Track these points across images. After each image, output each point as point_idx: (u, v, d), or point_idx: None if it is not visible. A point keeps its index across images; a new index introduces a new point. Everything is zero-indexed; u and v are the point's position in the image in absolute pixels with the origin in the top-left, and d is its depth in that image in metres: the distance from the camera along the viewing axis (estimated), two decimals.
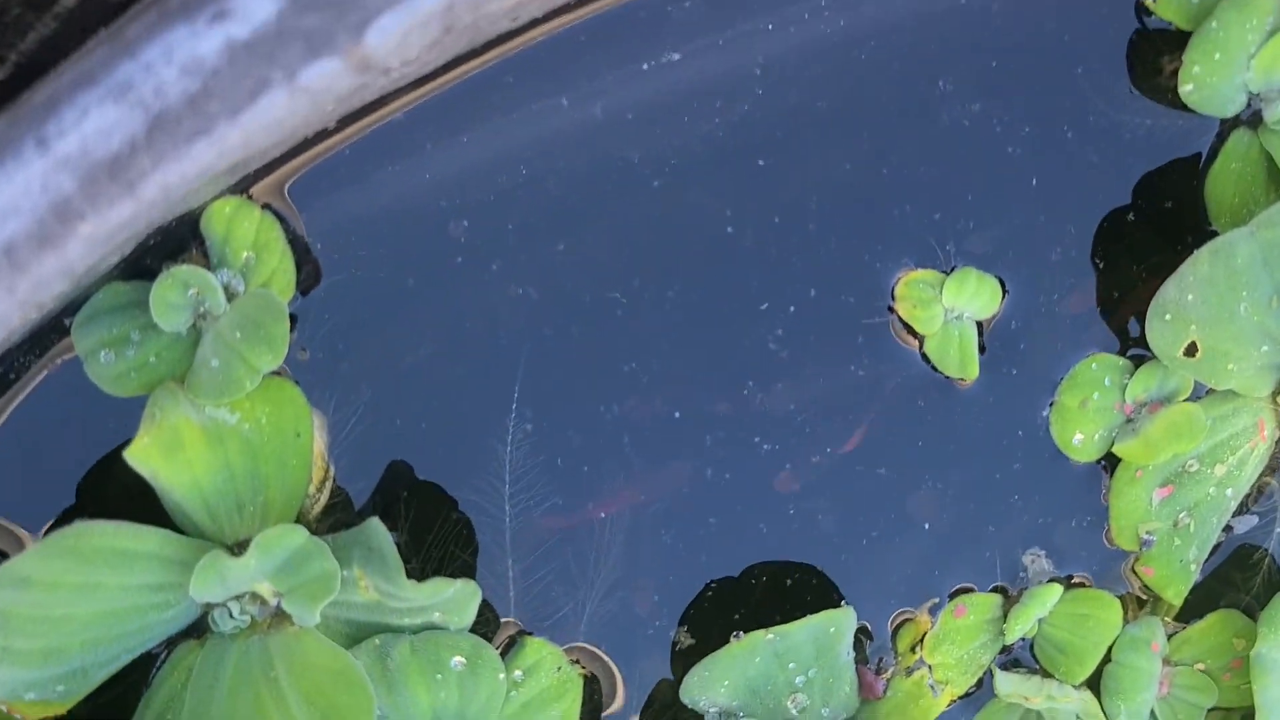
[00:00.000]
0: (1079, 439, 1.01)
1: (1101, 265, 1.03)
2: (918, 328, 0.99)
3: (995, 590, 1.03)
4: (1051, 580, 1.03)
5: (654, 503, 1.01)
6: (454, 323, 0.98)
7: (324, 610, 0.89)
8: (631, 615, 1.01)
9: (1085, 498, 1.04)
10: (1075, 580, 1.05)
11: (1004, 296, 1.00)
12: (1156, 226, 1.04)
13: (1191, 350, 0.97)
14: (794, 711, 0.98)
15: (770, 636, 0.94)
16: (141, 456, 0.81)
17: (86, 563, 0.80)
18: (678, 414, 1.00)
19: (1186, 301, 0.95)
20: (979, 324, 1.01)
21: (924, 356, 1.00)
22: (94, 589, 0.81)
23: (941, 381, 1.01)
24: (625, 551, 1.01)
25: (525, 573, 0.99)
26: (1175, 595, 1.04)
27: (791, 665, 0.96)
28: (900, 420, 1.02)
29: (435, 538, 0.98)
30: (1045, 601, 1.01)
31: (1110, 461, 1.03)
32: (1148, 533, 1.02)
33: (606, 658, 0.99)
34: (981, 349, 1.00)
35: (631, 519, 1.01)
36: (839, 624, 0.96)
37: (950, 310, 0.99)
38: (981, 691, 1.05)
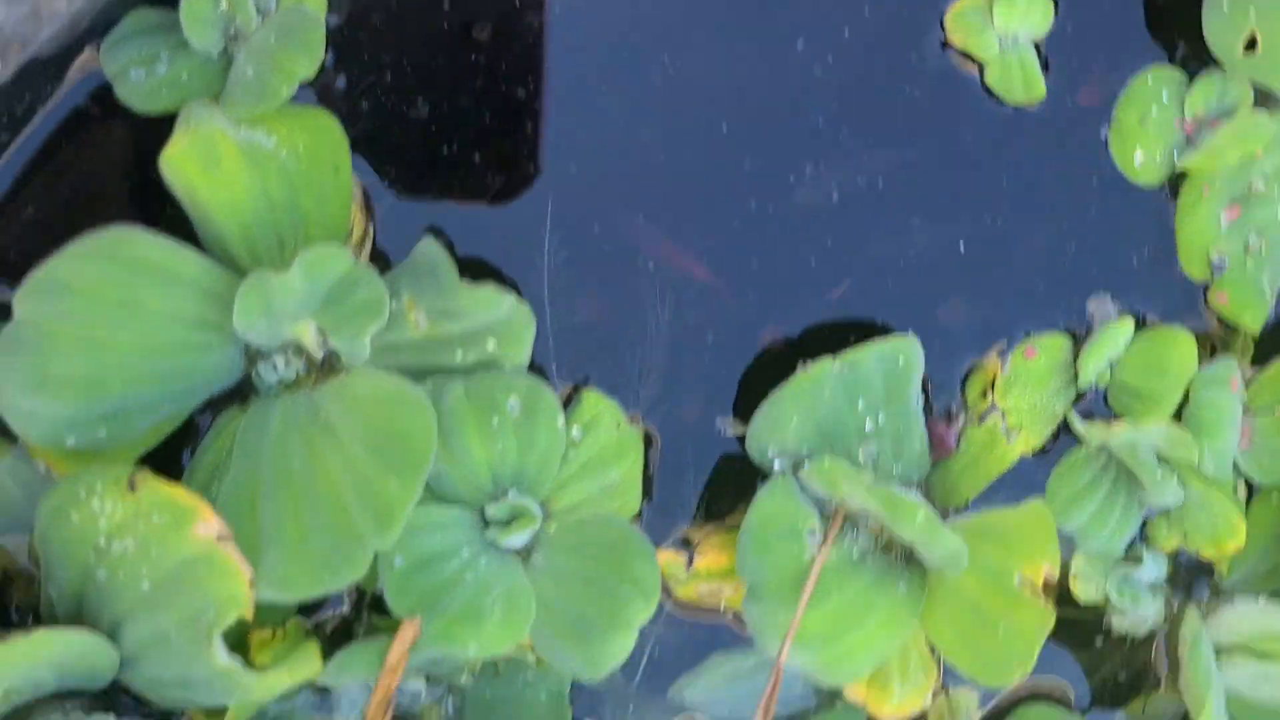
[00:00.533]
0: (1140, 158, 0.98)
1: None
2: (976, 54, 0.98)
3: (1066, 332, 1.00)
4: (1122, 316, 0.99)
5: (699, 272, 0.98)
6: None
7: (373, 356, 0.85)
8: (686, 381, 0.97)
9: (1156, 234, 1.01)
10: (1148, 319, 1.01)
11: (1055, 9, 0.98)
12: None
13: (1251, 45, 0.94)
14: (866, 461, 0.93)
15: (838, 366, 0.90)
16: (177, 164, 0.77)
17: (127, 274, 0.76)
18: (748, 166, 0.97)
19: None
20: (1035, 45, 0.99)
21: (987, 91, 0.98)
22: (134, 309, 0.78)
23: (1008, 115, 0.99)
24: (675, 320, 0.98)
25: (570, 338, 0.96)
26: (1253, 320, 1.00)
27: (861, 404, 0.92)
28: (960, 156, 0.99)
29: None
30: (1118, 338, 0.97)
31: (1175, 189, 1.00)
32: (1218, 255, 0.99)
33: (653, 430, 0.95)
34: (1045, 66, 0.98)
35: (678, 289, 0.98)
36: (907, 354, 0.92)
37: (1004, 36, 0.97)
38: (1057, 447, 1.01)
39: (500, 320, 0.83)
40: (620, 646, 0.86)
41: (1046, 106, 0.98)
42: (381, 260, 0.92)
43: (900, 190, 0.98)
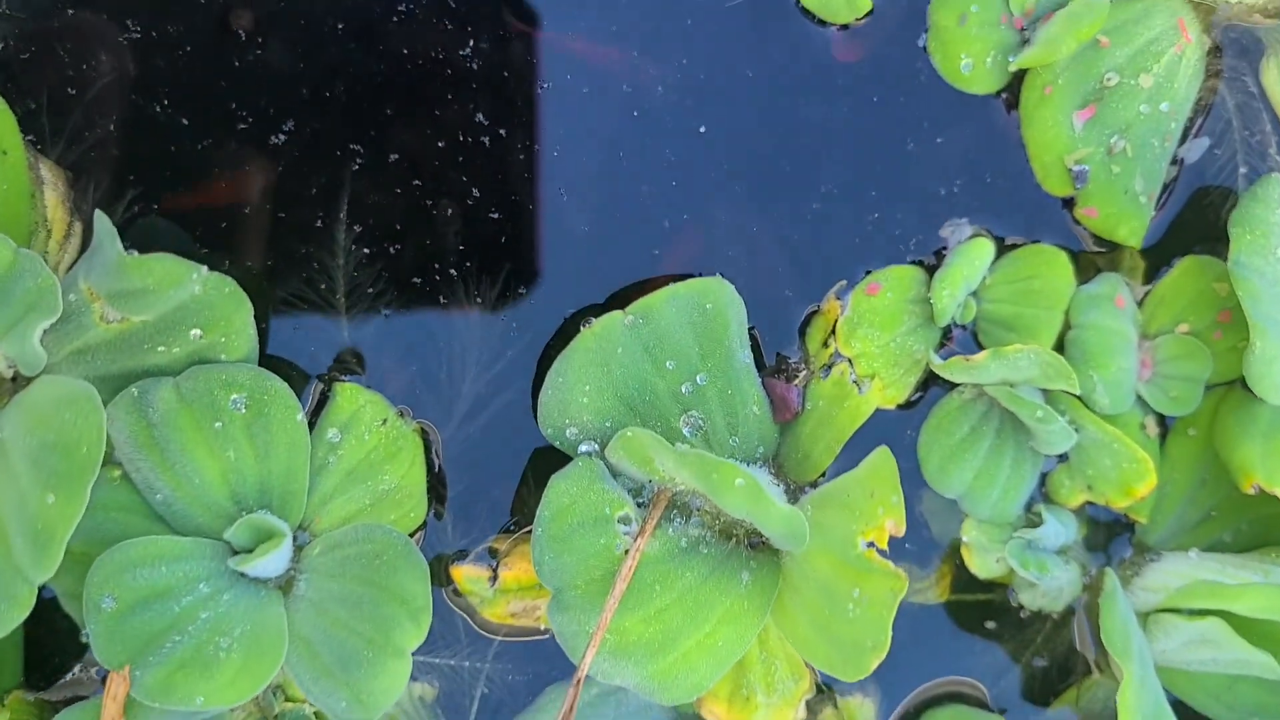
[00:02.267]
0: (967, 64, 0.84)
1: None
2: None
3: (914, 264, 0.85)
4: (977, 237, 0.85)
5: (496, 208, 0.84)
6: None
7: (65, 366, 0.72)
8: (497, 369, 0.83)
9: (1004, 148, 0.87)
10: (1010, 243, 0.87)
11: None
12: None
13: None
14: (691, 434, 0.78)
15: (628, 318, 0.76)
16: None
17: None
18: None
19: None
20: None
21: (803, 10, 0.85)
22: None
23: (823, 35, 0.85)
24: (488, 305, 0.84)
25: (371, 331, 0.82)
26: (1130, 235, 0.85)
27: (670, 364, 0.77)
28: (780, 91, 0.86)
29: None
30: (975, 261, 0.83)
31: (1014, 96, 0.86)
32: (1077, 164, 0.84)
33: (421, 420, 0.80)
34: None
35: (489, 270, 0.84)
36: (716, 297, 0.77)
37: None
38: (927, 400, 0.86)
39: (197, 302, 0.69)
40: (391, 680, 0.71)
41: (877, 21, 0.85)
42: None
43: (712, 127, 0.84)
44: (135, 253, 0.67)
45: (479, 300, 0.83)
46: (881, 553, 0.69)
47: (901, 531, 0.68)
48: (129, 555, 0.70)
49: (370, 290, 0.82)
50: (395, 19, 0.83)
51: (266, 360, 0.79)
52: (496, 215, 0.82)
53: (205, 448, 0.72)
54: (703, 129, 0.84)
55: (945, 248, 0.86)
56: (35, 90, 0.80)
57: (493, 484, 0.83)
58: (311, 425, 0.76)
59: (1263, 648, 0.80)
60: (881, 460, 0.71)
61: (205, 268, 0.69)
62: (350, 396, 0.77)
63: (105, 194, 0.80)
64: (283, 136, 0.79)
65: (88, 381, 0.70)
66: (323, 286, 0.80)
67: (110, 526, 0.72)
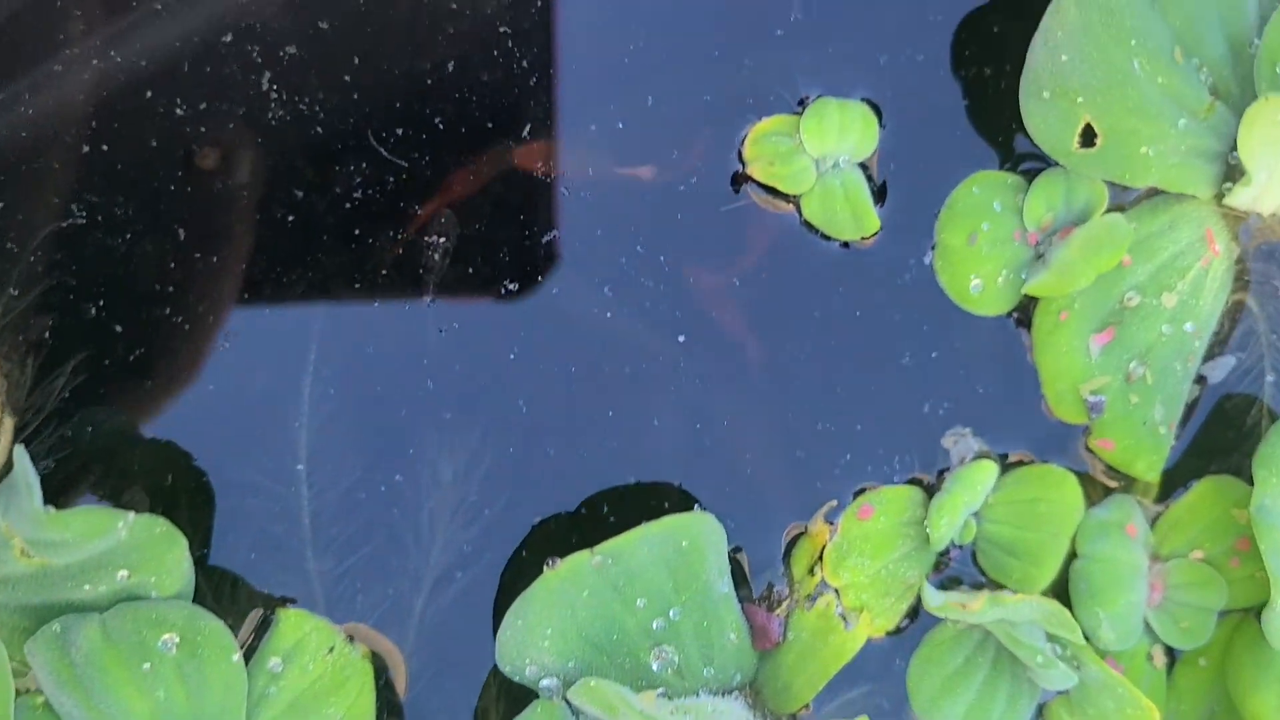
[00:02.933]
0: (977, 285, 0.78)
1: (971, 61, 0.82)
2: (784, 188, 0.78)
3: (911, 483, 0.79)
4: (980, 457, 0.79)
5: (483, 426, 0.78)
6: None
7: None
8: (454, 584, 0.77)
9: (1008, 365, 0.81)
10: (1014, 460, 0.81)
11: (881, 124, 0.79)
12: None
13: (1090, 137, 0.75)
14: (661, 670, 0.73)
15: (597, 559, 0.70)
16: None
17: None
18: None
19: (1061, 65, 0.74)
20: (863, 166, 0.80)
21: (806, 225, 0.79)
22: None
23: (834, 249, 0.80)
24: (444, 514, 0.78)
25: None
26: (1149, 469, 0.79)
27: (641, 602, 0.72)
28: (778, 289, 0.80)
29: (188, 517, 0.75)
30: (976, 484, 0.77)
31: (1026, 314, 0.80)
32: (1093, 393, 0.78)
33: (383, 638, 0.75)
34: (880, 197, 0.79)
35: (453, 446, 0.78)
36: (694, 534, 0.72)
37: (821, 160, 0.78)
38: (917, 626, 0.80)
39: (124, 545, 0.64)
40: None
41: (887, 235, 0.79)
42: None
43: (693, 334, 0.78)
44: (52, 509, 0.61)
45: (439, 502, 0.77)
46: None
47: None
48: None
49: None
50: None
51: (207, 571, 0.73)
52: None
53: (133, 687, 0.66)
54: (681, 338, 0.78)
55: (947, 467, 0.80)
56: None
57: (449, 709, 0.77)
58: (252, 650, 0.71)
59: None
60: None
61: (132, 514, 0.63)
62: (295, 624, 0.71)
63: (39, 369, 0.75)
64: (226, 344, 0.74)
65: (9, 611, 0.65)
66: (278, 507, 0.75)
67: None
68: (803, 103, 0.80)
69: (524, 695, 0.74)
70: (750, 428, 0.79)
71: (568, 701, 0.71)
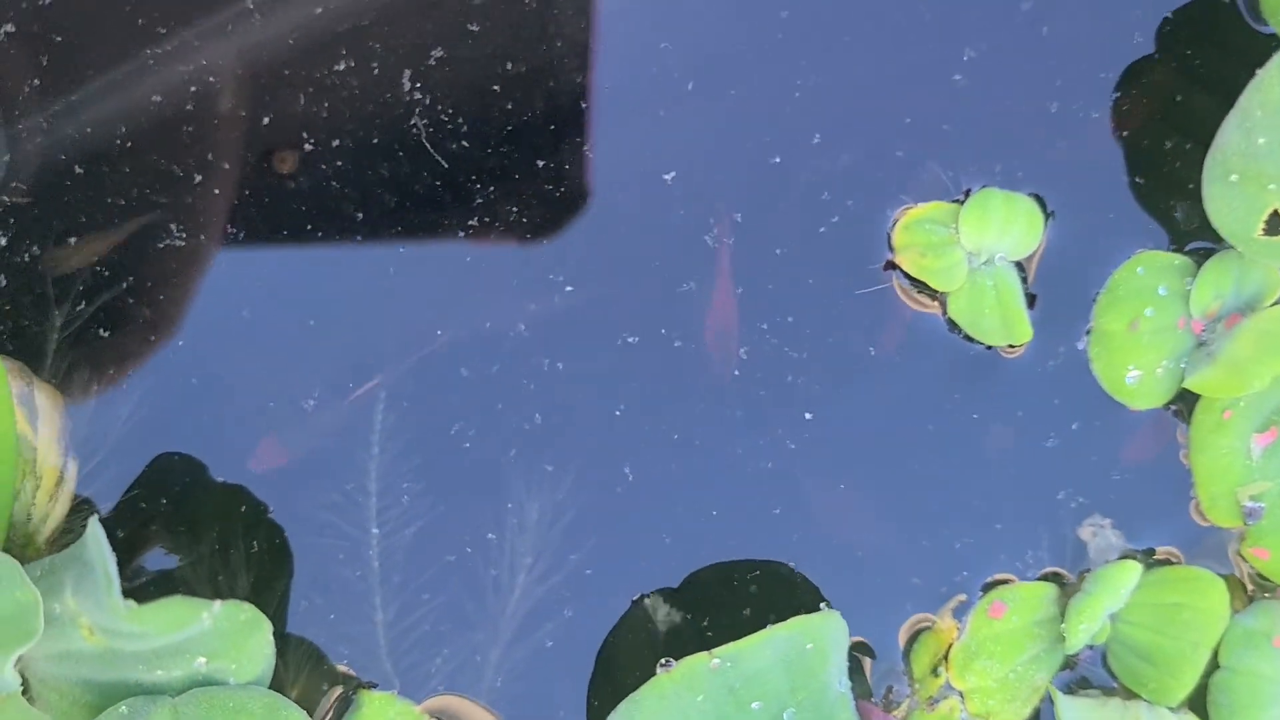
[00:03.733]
0: (1134, 376, 0.71)
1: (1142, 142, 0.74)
2: (933, 283, 0.71)
3: (1046, 578, 0.73)
4: (1124, 558, 0.73)
5: (574, 504, 0.72)
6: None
7: (46, 670, 0.60)
8: (541, 654, 0.71)
9: (1162, 460, 0.74)
10: (1158, 557, 0.74)
11: (1047, 221, 0.72)
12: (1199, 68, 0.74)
13: (1276, 224, 0.68)
14: None
15: (716, 661, 0.64)
16: None
17: None
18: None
19: (1257, 148, 0.66)
20: (1019, 265, 0.73)
21: (950, 323, 0.72)
22: None
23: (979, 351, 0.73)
24: (538, 567, 0.72)
25: (401, 613, 0.70)
26: None
27: (756, 705, 0.65)
28: (910, 378, 0.73)
29: (247, 561, 0.69)
30: (1118, 586, 0.71)
31: (1185, 405, 0.73)
32: (1251, 499, 0.72)
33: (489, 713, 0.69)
34: (1030, 300, 0.72)
35: (550, 523, 0.72)
36: (820, 637, 0.65)
37: (975, 253, 0.71)
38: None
39: (206, 633, 0.57)
40: None
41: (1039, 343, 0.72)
42: (88, 510, 0.67)
43: (821, 411, 0.72)
44: (133, 604, 0.55)
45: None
46: None
47: None
48: None
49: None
50: None
51: (283, 640, 0.67)
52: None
53: None
54: (809, 415, 0.71)
55: (1086, 550, 0.74)
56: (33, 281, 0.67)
57: None
58: None
59: None
60: None
61: (218, 604, 0.57)
62: (379, 707, 0.65)
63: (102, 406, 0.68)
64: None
65: (73, 685, 0.59)
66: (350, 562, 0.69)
67: None
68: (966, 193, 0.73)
69: None
70: (873, 509, 0.72)
71: None
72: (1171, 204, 0.72)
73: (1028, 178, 0.73)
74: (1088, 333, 0.71)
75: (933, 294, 0.72)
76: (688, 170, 0.73)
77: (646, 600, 0.71)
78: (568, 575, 0.71)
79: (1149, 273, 0.70)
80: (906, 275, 0.71)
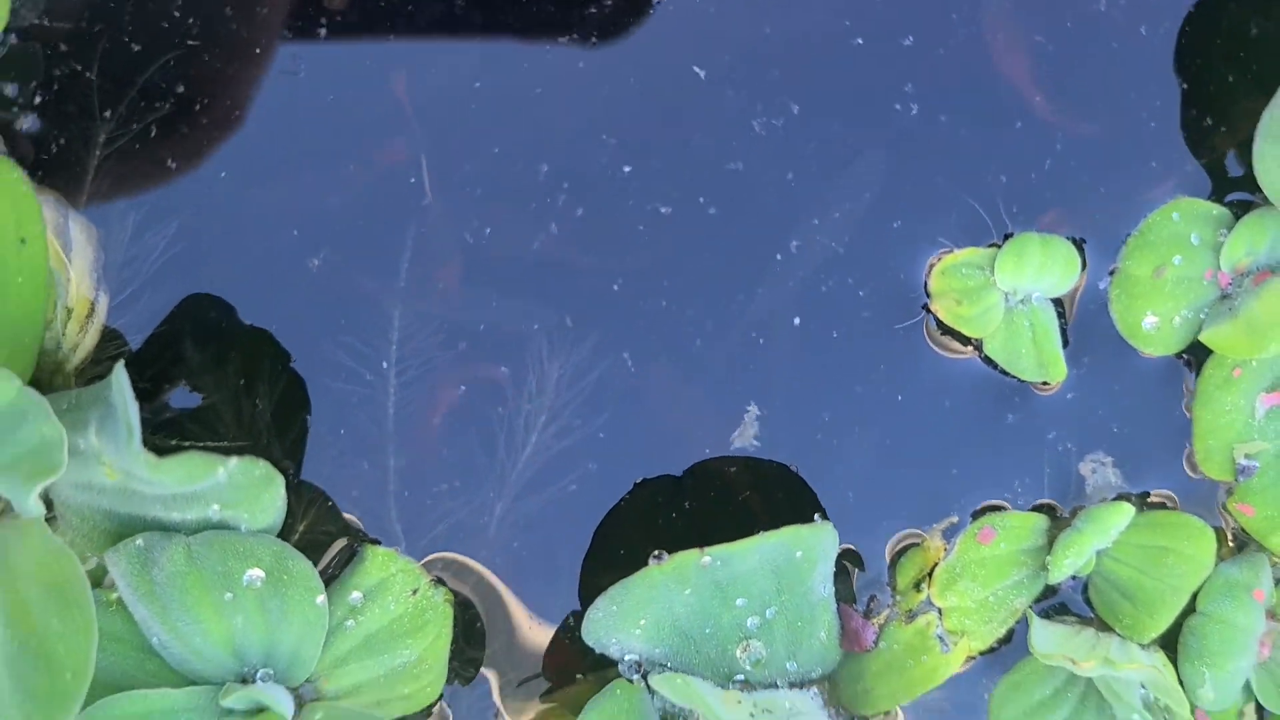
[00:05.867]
0: (1152, 322, 0.71)
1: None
2: (968, 331, 0.71)
3: (1039, 509, 0.74)
4: (1120, 498, 0.74)
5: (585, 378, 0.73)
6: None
7: (69, 496, 0.63)
8: (543, 525, 0.74)
9: (1164, 405, 0.74)
10: (1152, 500, 0.76)
11: (1084, 266, 0.71)
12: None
13: None
14: (745, 664, 0.70)
15: (707, 559, 0.66)
16: None
17: None
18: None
19: None
20: (1056, 302, 0.72)
21: (985, 360, 0.72)
22: None
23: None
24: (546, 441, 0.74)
25: (409, 467, 0.72)
26: None
27: (740, 602, 0.68)
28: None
29: (276, 403, 0.71)
30: (1108, 525, 0.72)
31: (1196, 357, 0.73)
32: (1247, 456, 0.72)
33: (491, 575, 0.72)
34: (1065, 340, 0.72)
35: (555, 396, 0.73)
36: (810, 546, 0.67)
37: (1012, 294, 0.70)
38: (1011, 647, 0.77)
39: (220, 485, 0.60)
40: None
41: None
42: (118, 343, 0.68)
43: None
44: (152, 456, 0.57)
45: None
46: None
47: None
48: (117, 711, 0.63)
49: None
50: None
51: (295, 485, 0.70)
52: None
53: (211, 612, 0.64)
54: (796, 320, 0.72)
55: (1085, 484, 0.75)
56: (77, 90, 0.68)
57: (518, 650, 0.75)
58: (333, 578, 0.68)
59: None
60: None
61: (234, 460, 0.59)
62: (382, 562, 0.68)
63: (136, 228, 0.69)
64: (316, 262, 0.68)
65: (92, 514, 0.62)
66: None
67: (101, 657, 0.65)
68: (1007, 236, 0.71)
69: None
70: (877, 428, 0.73)
71: (646, 681, 0.69)
72: (1218, 150, 0.71)
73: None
74: (1111, 273, 0.71)
75: (966, 342, 0.72)
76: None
77: (649, 484, 0.73)
78: (580, 441, 0.73)
79: (1184, 220, 0.69)
80: (939, 324, 0.71)
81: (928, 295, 0.72)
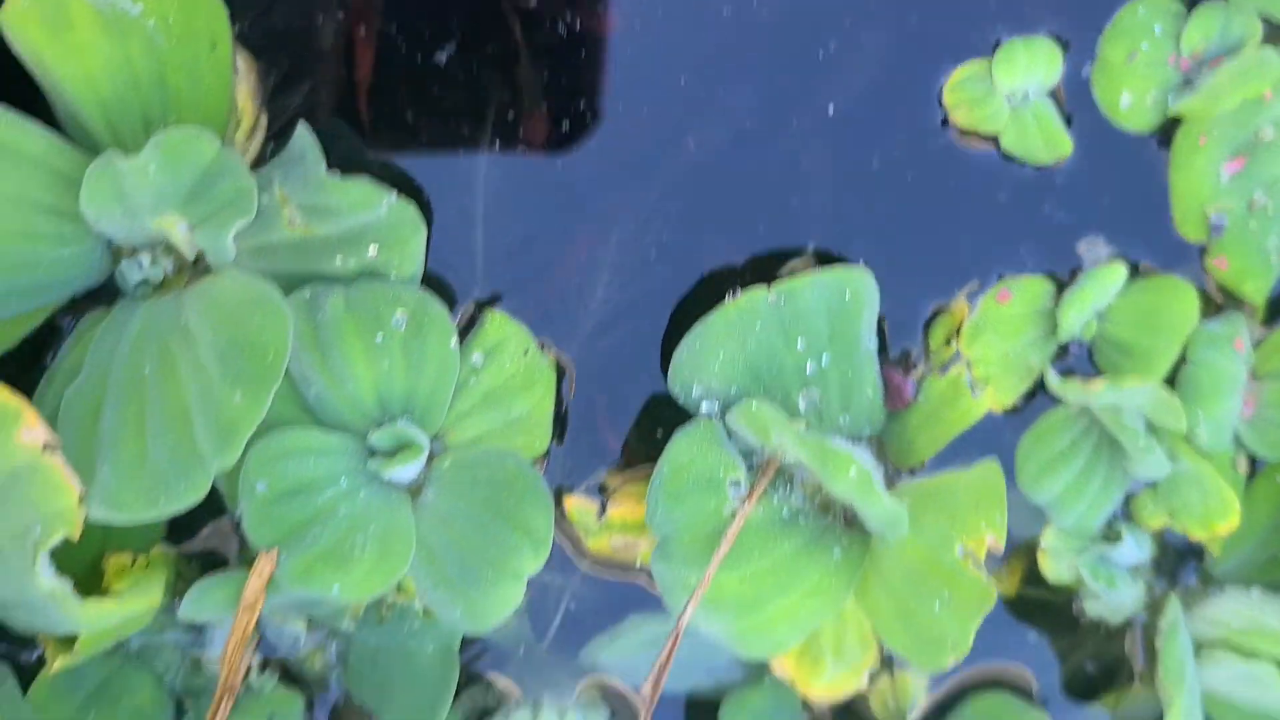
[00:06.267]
0: (1127, 100, 0.85)
1: None
2: (984, 129, 0.86)
3: (1046, 276, 0.88)
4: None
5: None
6: None
7: (246, 258, 0.76)
8: (623, 313, 0.87)
9: (1148, 183, 0.89)
10: (1143, 269, 0.89)
11: (1065, 52, 0.86)
12: None
13: None
14: (806, 409, 0.83)
15: (773, 296, 0.80)
16: (18, 24, 0.68)
17: None
18: None
19: None
20: (1052, 94, 0.88)
21: (1005, 156, 0.87)
22: None
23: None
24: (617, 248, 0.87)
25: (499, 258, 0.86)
26: (1255, 291, 0.87)
27: (801, 343, 0.81)
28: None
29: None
30: (1105, 284, 0.85)
31: (1169, 136, 0.88)
32: (1217, 213, 0.86)
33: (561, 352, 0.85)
34: (1068, 120, 0.87)
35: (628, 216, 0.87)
36: (855, 287, 0.81)
37: (1011, 94, 0.86)
38: (1032, 407, 0.89)
39: (381, 223, 0.74)
40: (505, 599, 0.77)
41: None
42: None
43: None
44: (337, 173, 0.71)
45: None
46: (976, 563, 0.74)
47: (1001, 549, 0.73)
48: (283, 444, 0.76)
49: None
50: None
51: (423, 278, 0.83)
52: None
53: (363, 355, 0.77)
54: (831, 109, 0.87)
55: (1079, 266, 0.88)
56: None
57: (605, 424, 0.88)
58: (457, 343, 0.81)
59: None
60: (991, 474, 0.76)
61: (395, 193, 0.73)
62: (499, 326, 0.81)
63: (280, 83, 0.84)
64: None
65: (267, 276, 0.76)
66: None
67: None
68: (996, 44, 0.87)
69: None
70: (898, 210, 0.87)
71: (722, 424, 0.82)
72: None
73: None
74: (1092, 61, 0.86)
75: (983, 136, 0.88)
76: None
77: (716, 274, 0.86)
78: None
79: (1148, 12, 0.85)
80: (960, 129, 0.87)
81: (945, 109, 0.87)
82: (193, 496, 0.68)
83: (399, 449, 0.79)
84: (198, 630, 0.85)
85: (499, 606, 0.77)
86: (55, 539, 0.68)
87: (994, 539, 0.72)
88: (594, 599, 0.90)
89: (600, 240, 0.87)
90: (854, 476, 0.74)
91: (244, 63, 0.81)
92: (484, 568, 0.77)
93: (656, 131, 0.87)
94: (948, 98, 0.87)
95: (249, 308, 0.70)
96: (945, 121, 0.87)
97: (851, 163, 0.87)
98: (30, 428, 0.68)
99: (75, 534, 0.68)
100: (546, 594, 0.90)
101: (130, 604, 0.72)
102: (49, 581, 0.69)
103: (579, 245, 0.87)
